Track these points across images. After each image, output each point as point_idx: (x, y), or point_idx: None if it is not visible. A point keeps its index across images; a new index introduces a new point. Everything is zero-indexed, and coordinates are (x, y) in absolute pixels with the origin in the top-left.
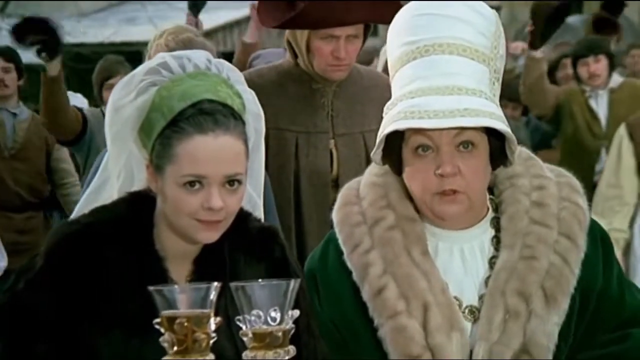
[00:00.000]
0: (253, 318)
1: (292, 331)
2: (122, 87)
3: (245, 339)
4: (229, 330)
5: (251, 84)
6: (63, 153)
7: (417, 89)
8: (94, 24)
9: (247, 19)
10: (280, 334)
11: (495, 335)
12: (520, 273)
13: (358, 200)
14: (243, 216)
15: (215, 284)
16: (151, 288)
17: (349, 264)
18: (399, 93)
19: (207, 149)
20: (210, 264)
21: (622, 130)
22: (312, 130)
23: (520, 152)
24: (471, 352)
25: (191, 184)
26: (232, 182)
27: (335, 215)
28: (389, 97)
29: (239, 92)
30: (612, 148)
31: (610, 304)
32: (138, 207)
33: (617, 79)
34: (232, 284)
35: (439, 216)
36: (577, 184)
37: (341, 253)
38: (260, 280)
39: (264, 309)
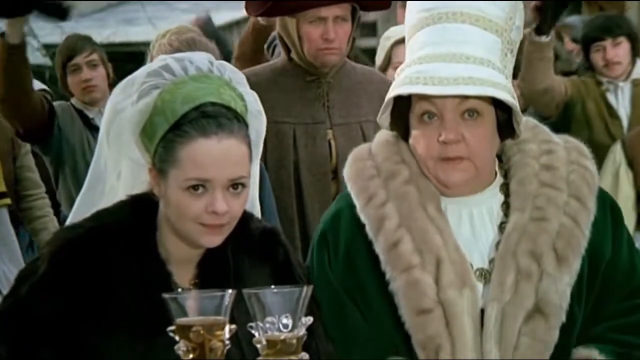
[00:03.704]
0: (267, 325)
1: (305, 338)
2: (123, 89)
3: (258, 346)
4: (234, 335)
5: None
6: (28, 160)
7: (425, 56)
8: (93, 24)
9: (246, 20)
10: (294, 341)
11: (507, 296)
12: (531, 234)
13: (371, 157)
14: (245, 218)
15: (230, 291)
16: (166, 295)
17: (362, 217)
18: (409, 59)
19: (211, 153)
20: (214, 267)
21: (618, 155)
22: (309, 121)
23: (527, 121)
24: (482, 312)
25: (195, 187)
26: (236, 185)
27: (346, 171)
28: (384, 93)
29: (242, 95)
30: (606, 174)
31: (621, 272)
32: (140, 210)
33: None
34: (245, 291)
35: (442, 183)
36: (585, 149)
37: (354, 207)
38: (272, 287)
39: (276, 316)
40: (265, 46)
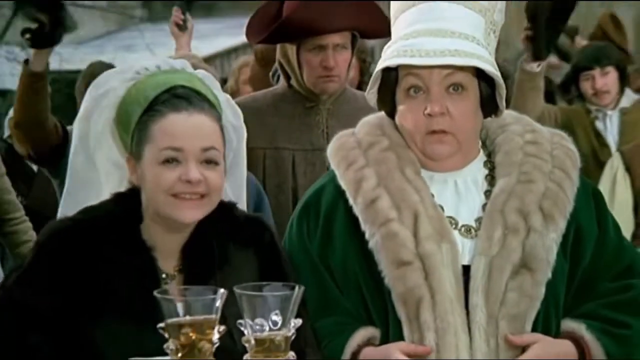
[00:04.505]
0: (257, 327)
1: (293, 337)
2: (94, 89)
3: (247, 345)
4: (225, 324)
5: (247, 108)
6: (6, 182)
7: (412, 31)
8: (92, 50)
9: (243, 46)
10: (282, 341)
11: (494, 250)
12: (519, 194)
13: (353, 134)
14: (229, 206)
15: (222, 290)
16: (157, 295)
17: (342, 183)
18: (395, 37)
19: (181, 124)
20: (198, 253)
21: (616, 161)
22: (308, 147)
23: (511, 112)
24: (469, 267)
25: (169, 161)
26: (209, 161)
27: (330, 147)
28: None
29: (214, 92)
30: (603, 181)
31: (610, 252)
32: (125, 202)
33: (630, 97)
34: (237, 290)
35: (429, 156)
36: (566, 136)
37: (336, 177)
38: (264, 285)
39: (266, 315)
40: (270, 74)
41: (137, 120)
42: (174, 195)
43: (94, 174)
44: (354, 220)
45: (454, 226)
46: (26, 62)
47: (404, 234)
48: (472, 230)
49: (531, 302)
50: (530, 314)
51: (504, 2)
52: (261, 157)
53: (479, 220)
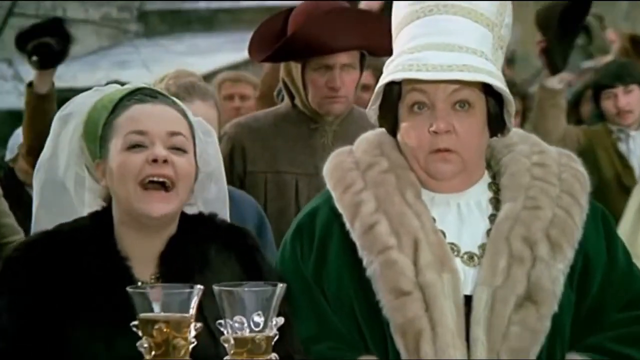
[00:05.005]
0: (237, 325)
1: (275, 338)
2: (62, 110)
3: (226, 345)
4: (207, 327)
5: (247, 128)
6: (2, 204)
7: (417, 45)
8: (85, 67)
9: (245, 63)
10: (263, 342)
11: (498, 280)
12: (525, 221)
13: (351, 153)
14: (209, 215)
15: (198, 286)
16: (130, 290)
17: (339, 207)
18: (398, 50)
19: (147, 111)
20: (175, 259)
21: None
22: (312, 172)
23: (517, 131)
24: (471, 297)
25: (134, 146)
26: (177, 147)
27: (326, 167)
28: None
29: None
30: (629, 208)
31: (620, 276)
32: (99, 216)
33: None
34: (216, 288)
35: (432, 175)
36: (575, 156)
37: (331, 199)
38: (245, 284)
39: (247, 314)
40: (275, 93)
41: (103, 123)
42: (142, 185)
43: (65, 197)
44: (351, 245)
45: (455, 253)
46: (30, 84)
47: (403, 262)
48: (475, 258)
49: (535, 337)
50: (534, 349)
51: (511, 17)
52: (262, 182)
53: (482, 247)
